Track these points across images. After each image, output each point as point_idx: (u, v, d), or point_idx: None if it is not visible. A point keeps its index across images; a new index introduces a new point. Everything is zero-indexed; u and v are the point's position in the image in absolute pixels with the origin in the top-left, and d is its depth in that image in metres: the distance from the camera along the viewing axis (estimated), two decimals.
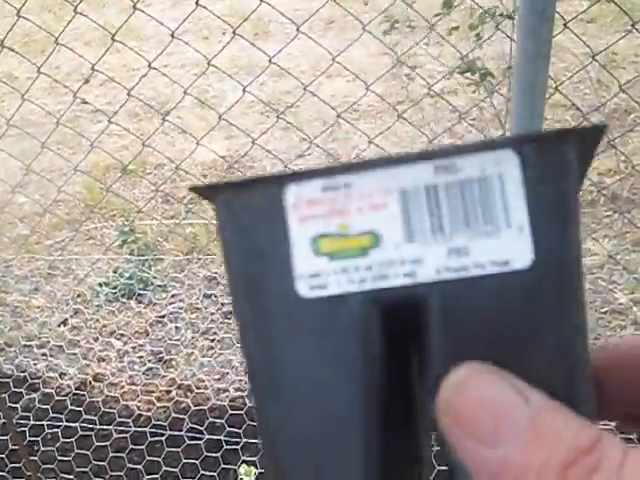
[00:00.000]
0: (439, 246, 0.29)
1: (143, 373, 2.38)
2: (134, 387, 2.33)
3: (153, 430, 2.17)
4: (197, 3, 1.57)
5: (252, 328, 0.30)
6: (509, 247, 0.28)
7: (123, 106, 2.45)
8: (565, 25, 1.55)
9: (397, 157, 0.29)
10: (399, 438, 0.32)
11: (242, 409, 2.19)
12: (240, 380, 2.31)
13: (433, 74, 3.13)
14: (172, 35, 1.66)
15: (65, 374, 2.41)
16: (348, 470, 0.30)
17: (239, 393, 2.26)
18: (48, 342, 2.53)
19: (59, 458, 2.12)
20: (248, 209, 0.30)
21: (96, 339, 2.53)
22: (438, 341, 0.29)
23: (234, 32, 1.62)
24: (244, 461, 2.03)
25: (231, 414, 2.17)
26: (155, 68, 1.70)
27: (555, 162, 0.29)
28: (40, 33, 4.48)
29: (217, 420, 2.16)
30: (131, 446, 2.14)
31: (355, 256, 0.29)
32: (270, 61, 1.64)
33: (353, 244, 0.29)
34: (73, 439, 2.17)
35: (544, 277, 0.28)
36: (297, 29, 1.58)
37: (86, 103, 3.75)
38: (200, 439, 2.11)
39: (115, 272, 2.74)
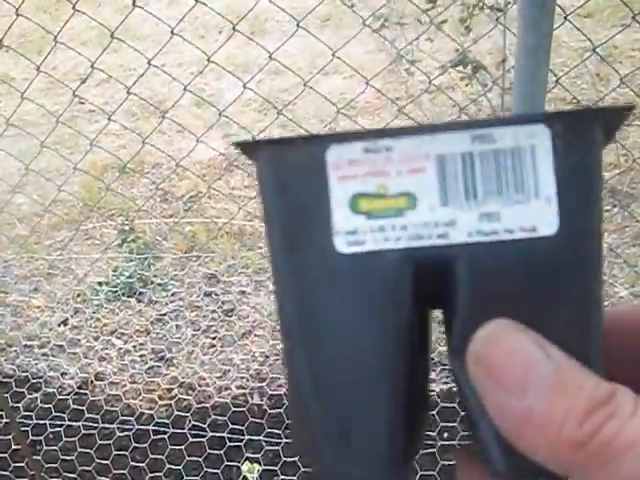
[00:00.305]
0: (472, 211, 0.30)
1: (145, 372, 2.38)
2: (136, 386, 2.33)
3: (155, 428, 2.16)
4: (197, 0, 1.57)
5: (289, 280, 0.32)
6: (537, 215, 0.30)
7: (121, 105, 2.44)
8: (565, 18, 1.55)
9: (437, 125, 0.30)
10: (419, 388, 0.35)
11: (244, 406, 2.19)
12: (242, 377, 2.31)
13: (429, 70, 3.13)
14: (172, 32, 1.66)
15: (66, 373, 2.41)
16: (374, 416, 0.31)
17: (241, 391, 2.26)
18: (49, 342, 2.53)
19: (62, 457, 2.12)
20: (290, 166, 0.31)
21: (97, 338, 2.53)
22: (466, 299, 0.30)
23: (234, 28, 1.62)
24: (247, 458, 2.03)
25: (234, 411, 2.17)
26: (155, 66, 1.70)
27: (583, 139, 0.30)
28: (36, 34, 4.48)
29: (220, 417, 2.16)
30: (134, 444, 2.14)
31: (392, 216, 0.30)
32: (270, 57, 1.64)
33: (390, 204, 0.30)
34: (76, 438, 2.17)
35: (567, 245, 0.30)
36: (297, 24, 1.58)
37: (83, 103, 3.75)
38: (203, 437, 2.11)
39: (115, 271, 2.74)
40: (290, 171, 0.31)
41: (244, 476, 2.00)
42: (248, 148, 0.33)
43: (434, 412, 2.02)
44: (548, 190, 0.30)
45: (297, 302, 0.32)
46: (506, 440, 0.28)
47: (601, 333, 0.31)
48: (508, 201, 0.30)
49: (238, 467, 2.02)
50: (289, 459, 2.03)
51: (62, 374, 2.41)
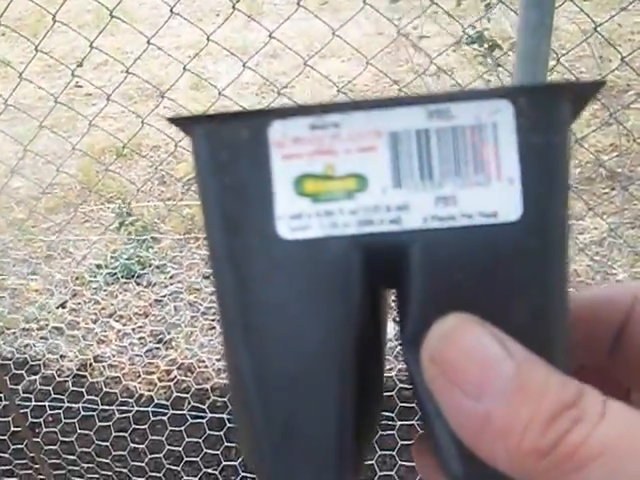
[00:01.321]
0: (427, 193, 0.28)
1: (144, 354, 2.38)
2: (135, 368, 2.33)
3: (155, 409, 2.17)
4: None
5: (227, 268, 0.29)
6: (498, 199, 0.28)
7: (118, 88, 2.43)
8: None
9: (389, 99, 0.28)
10: (368, 380, 0.32)
11: None
12: None
13: (430, 52, 3.12)
14: (171, 11, 1.65)
15: (65, 356, 2.41)
16: (321, 413, 0.29)
17: None
18: (47, 324, 2.52)
19: (61, 439, 2.12)
20: (229, 143, 0.28)
21: (95, 321, 2.53)
22: (420, 290, 0.28)
23: (234, 7, 1.61)
24: None
25: None
26: (154, 44, 1.68)
27: (550, 115, 0.28)
28: (31, 17, 4.45)
29: (219, 399, 2.16)
30: (133, 426, 2.14)
31: (340, 199, 0.28)
32: (270, 36, 1.63)
33: (338, 186, 0.28)
34: (75, 420, 2.17)
35: (531, 231, 0.28)
36: (297, 3, 1.57)
37: (80, 86, 3.73)
38: (202, 418, 2.12)
39: (113, 254, 2.74)
40: (228, 149, 0.28)
41: (242, 459, 2.00)
42: (183, 124, 0.30)
43: (393, 393, 2.02)
44: (511, 171, 0.28)
45: (237, 291, 0.29)
46: (464, 444, 0.26)
47: (567, 326, 0.29)
48: (467, 183, 0.28)
49: (237, 448, 2.02)
50: None
51: (61, 356, 2.41)
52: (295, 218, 0.28)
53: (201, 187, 0.29)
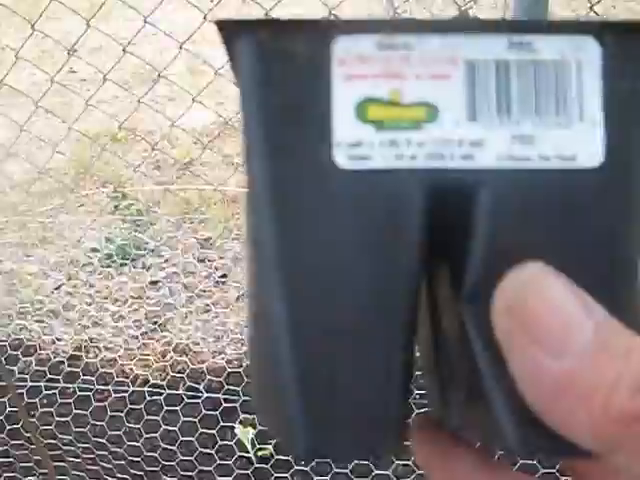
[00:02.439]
0: (503, 130, 0.25)
1: (140, 335, 2.38)
2: (130, 350, 2.33)
3: (150, 389, 2.17)
4: None
5: (269, 200, 0.26)
6: (579, 142, 0.25)
7: (113, 72, 2.42)
8: None
9: (469, 23, 0.26)
10: (413, 343, 0.29)
11: (240, 367, 2.20)
12: (238, 342, 2.31)
13: None
14: None
15: (60, 339, 2.41)
16: (369, 370, 0.26)
17: (236, 355, 2.27)
18: (42, 307, 2.53)
19: (57, 419, 2.13)
20: (283, 57, 0.25)
21: (90, 304, 2.53)
22: (487, 235, 0.25)
23: None
24: (241, 422, 2.04)
25: (229, 372, 2.18)
26: (151, 24, 1.69)
27: (637, 57, 0.26)
28: (23, 5, 4.43)
29: (215, 379, 2.17)
30: (129, 406, 2.14)
31: (407, 128, 0.25)
32: (266, 15, 1.63)
33: (406, 114, 0.25)
34: (71, 400, 2.17)
35: (612, 180, 0.26)
36: None
37: (74, 72, 3.73)
38: (198, 398, 2.12)
39: (108, 237, 2.74)
40: (282, 63, 0.25)
41: (239, 438, 2.01)
42: (229, 28, 0.26)
43: None
44: (594, 114, 0.25)
45: (278, 226, 0.26)
46: (525, 411, 0.24)
47: None
48: (546, 123, 0.25)
49: (233, 428, 2.03)
50: None
51: (56, 339, 2.41)
52: (355, 146, 0.25)
53: (245, 107, 0.26)
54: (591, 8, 1.38)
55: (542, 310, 0.23)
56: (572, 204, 0.25)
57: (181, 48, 1.70)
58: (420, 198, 0.25)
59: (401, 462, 1.90)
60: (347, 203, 0.25)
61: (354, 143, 0.25)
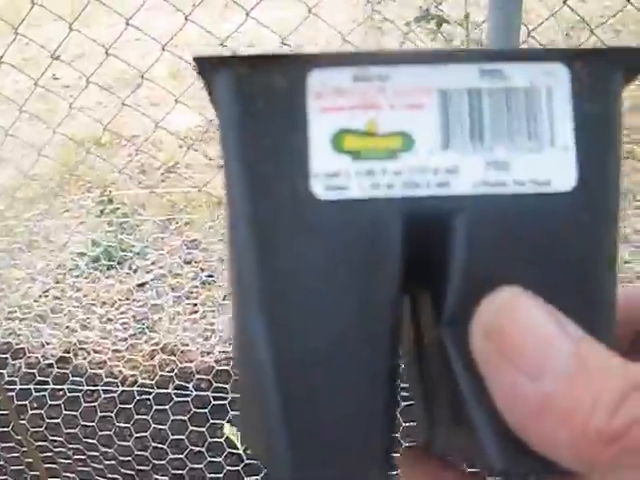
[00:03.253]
0: (477, 156, 0.26)
1: (128, 337, 2.40)
2: (118, 352, 2.35)
3: (140, 389, 2.18)
4: None
5: (250, 230, 0.26)
6: (552, 166, 0.26)
7: (96, 76, 2.44)
8: None
9: (440, 54, 0.27)
10: (396, 365, 0.29)
11: (228, 365, 2.21)
12: (226, 341, 2.33)
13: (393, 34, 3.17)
14: None
15: (49, 342, 2.42)
16: (353, 395, 0.26)
17: (224, 354, 2.29)
18: (31, 311, 2.53)
19: (47, 421, 2.14)
20: (260, 90, 0.26)
21: (78, 307, 2.54)
22: (465, 261, 0.26)
23: None
24: (230, 420, 2.06)
25: (217, 370, 2.19)
26: (133, 26, 1.70)
27: (606, 82, 0.27)
28: (7, 13, 4.44)
29: (204, 376, 2.18)
30: (119, 406, 2.16)
31: (383, 158, 0.26)
32: (247, 14, 1.66)
33: (381, 144, 0.26)
34: (60, 402, 2.18)
35: (585, 204, 0.26)
36: None
37: (57, 79, 3.74)
38: (188, 396, 2.14)
39: (94, 241, 2.75)
40: (259, 97, 0.26)
41: (228, 436, 2.03)
42: (207, 65, 0.27)
43: None
44: (566, 139, 0.26)
45: (259, 256, 0.26)
46: (506, 430, 0.24)
47: (616, 310, 0.27)
48: (519, 148, 0.26)
49: (222, 426, 2.05)
50: None
51: (45, 343, 2.42)
52: (332, 176, 0.26)
53: (224, 139, 0.27)
54: (564, 2, 1.41)
55: (517, 333, 0.23)
56: (547, 228, 0.26)
57: (163, 50, 1.71)
58: (398, 226, 0.26)
59: None
60: (326, 233, 0.26)
61: (331, 174, 0.26)
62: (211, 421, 2.06)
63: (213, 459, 2.00)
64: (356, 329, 0.26)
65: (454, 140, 0.26)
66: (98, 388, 2.21)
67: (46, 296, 2.61)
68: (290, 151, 0.26)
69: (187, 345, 2.33)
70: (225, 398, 2.11)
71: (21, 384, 2.25)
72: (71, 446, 2.08)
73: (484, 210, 0.26)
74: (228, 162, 0.27)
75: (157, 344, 2.35)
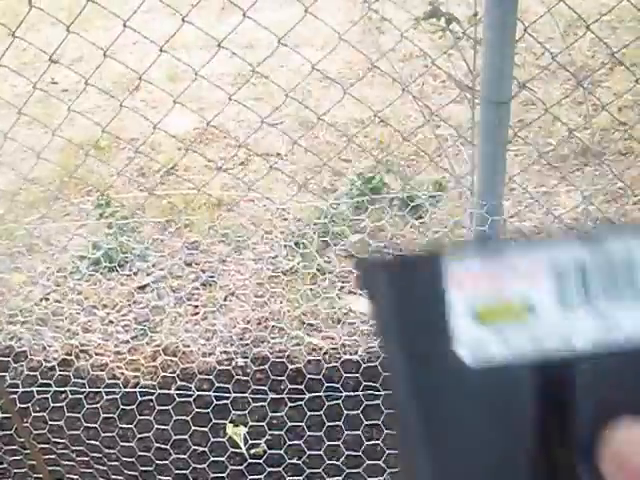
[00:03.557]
0: (589, 317, 0.32)
1: (130, 339, 2.40)
2: (120, 354, 2.35)
3: (142, 390, 2.19)
4: None
5: (417, 399, 0.32)
6: None
7: (94, 78, 2.45)
8: None
9: (550, 236, 0.32)
10: None
11: (230, 365, 2.22)
12: (227, 341, 2.34)
13: (394, 33, 3.16)
14: None
15: (51, 345, 2.42)
16: None
17: (225, 355, 2.29)
18: (32, 315, 2.54)
19: (50, 424, 2.14)
20: (411, 285, 0.32)
21: (79, 310, 2.55)
22: (591, 405, 0.31)
23: None
24: (232, 420, 2.06)
25: (219, 371, 2.20)
26: (131, 28, 1.71)
27: None
28: (3, 18, 4.44)
29: (206, 377, 2.19)
30: (121, 407, 2.16)
31: (514, 324, 0.31)
32: (244, 15, 1.66)
33: (511, 313, 0.32)
34: (63, 404, 2.18)
35: None
36: None
37: (56, 83, 3.74)
38: (190, 397, 2.14)
39: (95, 244, 2.75)
40: (410, 290, 0.32)
41: (230, 436, 2.04)
42: (367, 267, 0.34)
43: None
44: None
45: (420, 411, 0.32)
46: None
47: None
48: (628, 310, 0.31)
49: (225, 425, 2.05)
50: (275, 414, 2.07)
51: (47, 345, 2.42)
52: (476, 345, 0.31)
53: (383, 327, 0.33)
54: None
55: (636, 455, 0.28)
56: None
57: (161, 51, 1.72)
58: (533, 380, 0.31)
59: None
60: (480, 395, 0.32)
61: (475, 342, 0.31)
62: (213, 421, 2.07)
63: (216, 459, 2.01)
64: (509, 465, 0.32)
65: (569, 306, 0.32)
66: (100, 390, 2.21)
67: (47, 299, 2.62)
68: (439, 328, 0.31)
69: (188, 346, 2.34)
70: (227, 398, 2.11)
71: (23, 387, 2.26)
72: (74, 448, 2.09)
73: (602, 362, 0.31)
74: (389, 345, 0.33)
75: (159, 346, 2.35)
